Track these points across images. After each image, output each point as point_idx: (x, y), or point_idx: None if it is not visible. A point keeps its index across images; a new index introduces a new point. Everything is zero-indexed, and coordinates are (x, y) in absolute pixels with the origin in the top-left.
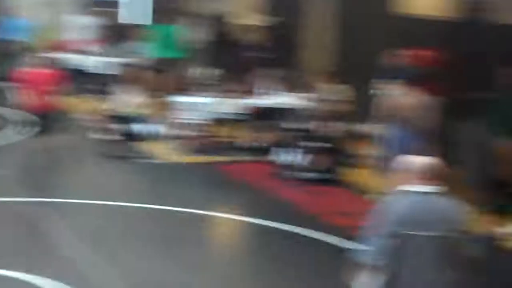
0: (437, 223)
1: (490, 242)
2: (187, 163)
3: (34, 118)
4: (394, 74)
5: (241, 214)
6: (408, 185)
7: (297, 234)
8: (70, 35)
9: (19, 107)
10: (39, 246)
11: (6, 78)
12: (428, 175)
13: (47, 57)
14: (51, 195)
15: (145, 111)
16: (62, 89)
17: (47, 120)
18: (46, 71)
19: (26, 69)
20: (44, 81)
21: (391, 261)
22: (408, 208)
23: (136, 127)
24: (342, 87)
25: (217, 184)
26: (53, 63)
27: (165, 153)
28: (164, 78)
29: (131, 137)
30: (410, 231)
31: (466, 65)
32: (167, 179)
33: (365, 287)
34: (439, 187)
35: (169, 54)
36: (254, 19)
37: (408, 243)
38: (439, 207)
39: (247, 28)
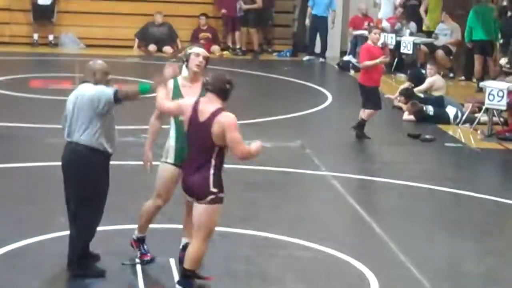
0: None
1: None
2: (484, 149)
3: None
4: None
5: None
6: None
7: None
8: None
9: None
10: (359, 229)
11: None
12: None
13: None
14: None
15: (441, 92)
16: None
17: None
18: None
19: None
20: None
21: None
22: None
23: (434, 109)
24: None
25: None
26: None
27: (465, 137)
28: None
29: (427, 118)
30: None
31: None
32: (465, 163)
33: None
34: None
35: (484, 37)
36: None
37: None
38: None
39: None
